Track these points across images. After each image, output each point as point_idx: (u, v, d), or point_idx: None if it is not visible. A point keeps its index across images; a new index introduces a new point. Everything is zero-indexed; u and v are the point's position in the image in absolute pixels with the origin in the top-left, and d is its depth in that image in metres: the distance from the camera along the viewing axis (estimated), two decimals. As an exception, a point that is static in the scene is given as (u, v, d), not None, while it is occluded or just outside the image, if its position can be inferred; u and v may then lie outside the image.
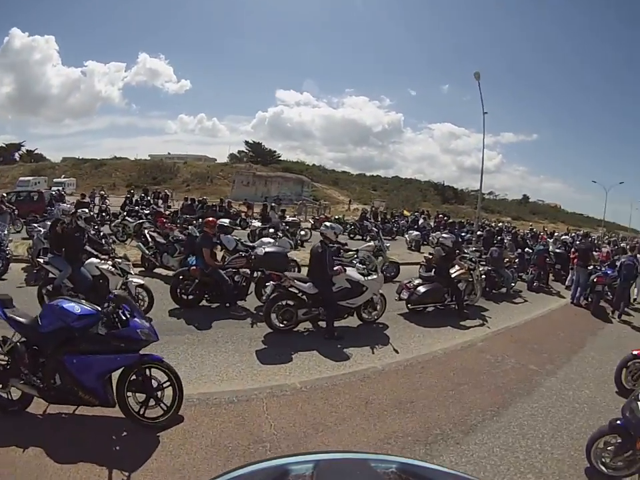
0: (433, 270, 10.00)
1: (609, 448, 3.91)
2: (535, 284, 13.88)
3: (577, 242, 16.16)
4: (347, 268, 7.67)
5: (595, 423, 4.96)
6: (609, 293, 12.38)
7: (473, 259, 10.80)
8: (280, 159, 70.94)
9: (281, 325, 7.08)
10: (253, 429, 4.24)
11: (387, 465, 1.14)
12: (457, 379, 6.10)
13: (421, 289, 9.08)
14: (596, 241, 29.44)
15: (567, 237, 21.07)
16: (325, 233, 7.75)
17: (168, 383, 4.06)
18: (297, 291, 7.19)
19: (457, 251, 11.29)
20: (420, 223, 25.73)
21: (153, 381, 4.04)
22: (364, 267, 8.22)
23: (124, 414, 3.97)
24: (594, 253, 13.06)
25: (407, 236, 21.39)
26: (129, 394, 3.96)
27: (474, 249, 17.03)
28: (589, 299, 12.09)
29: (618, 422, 3.83)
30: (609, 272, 12.50)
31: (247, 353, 6.32)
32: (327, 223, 8.55)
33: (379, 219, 27.07)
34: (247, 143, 72.98)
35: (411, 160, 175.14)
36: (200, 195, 31.63)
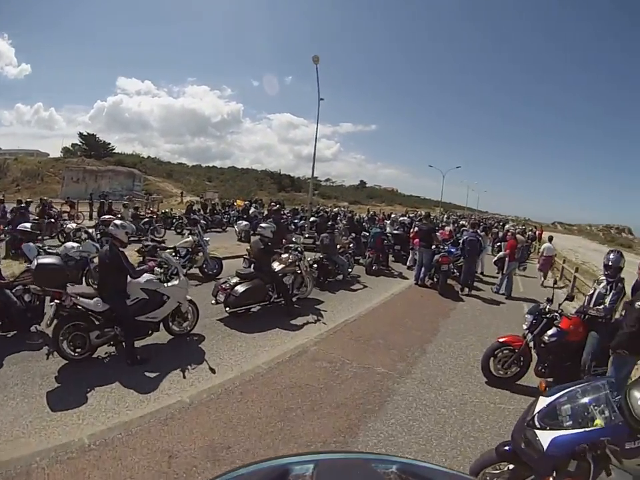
0: (252, 265, 8.65)
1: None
2: (373, 267, 13.43)
3: (417, 222, 16.19)
4: (144, 275, 6.20)
5: (471, 431, 4.40)
6: (454, 271, 12.55)
7: (299, 249, 9.53)
8: (114, 151, 66.28)
9: (74, 354, 5.62)
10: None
11: (387, 465, 1.11)
12: (286, 403, 4.89)
13: (239, 289, 7.67)
14: (436, 221, 31.75)
15: (404, 217, 21.58)
16: (114, 234, 6.05)
17: None
18: (85, 310, 5.70)
19: (283, 240, 10.16)
20: (251, 212, 24.23)
21: None
22: (161, 270, 6.57)
23: None
24: (436, 233, 13.07)
25: (236, 227, 19.94)
26: None
27: (307, 235, 16.59)
28: (434, 279, 12.06)
29: (506, 448, 3.20)
30: (452, 250, 12.73)
31: (37, 397, 4.76)
32: (117, 222, 6.37)
33: (208, 211, 25.49)
34: (80, 135, 65.87)
35: (249, 150, 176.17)
36: (30, 195, 27.38)
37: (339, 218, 21.89)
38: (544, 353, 5.76)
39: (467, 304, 10.57)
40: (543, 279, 15.85)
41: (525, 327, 5.92)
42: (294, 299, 8.85)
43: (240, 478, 1.08)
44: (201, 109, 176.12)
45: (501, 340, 5.94)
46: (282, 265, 8.78)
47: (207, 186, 61.60)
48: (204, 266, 10.80)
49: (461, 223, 27.49)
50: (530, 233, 27.20)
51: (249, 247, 9.68)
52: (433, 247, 11.95)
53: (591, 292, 6.07)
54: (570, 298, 6.62)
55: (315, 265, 10.72)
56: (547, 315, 5.83)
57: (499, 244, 19.52)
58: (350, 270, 12.33)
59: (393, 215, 22.84)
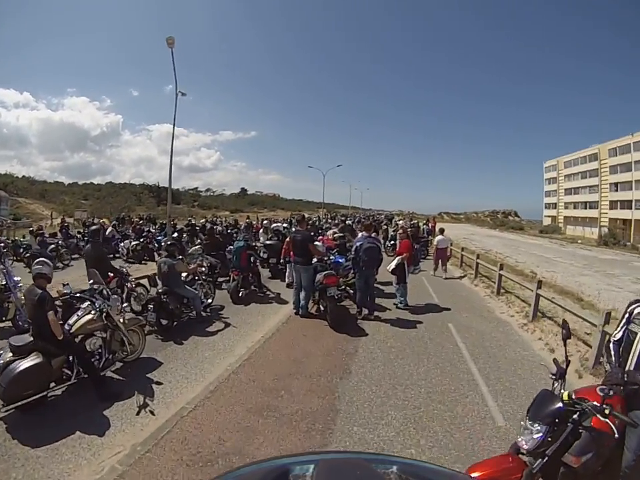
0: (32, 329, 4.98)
1: None
2: (240, 293, 9.76)
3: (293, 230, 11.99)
4: None
5: None
6: (347, 291, 9.51)
7: (104, 291, 5.77)
8: None
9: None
10: None
11: (387, 465, 1.08)
12: None
13: (11, 372, 4.41)
14: (318, 223, 28.74)
15: (278, 224, 18.44)
16: None
17: None
18: None
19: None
20: (108, 232, 19.95)
21: None
22: None
23: None
24: (316, 242, 9.72)
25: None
26: None
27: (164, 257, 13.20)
28: (320, 305, 8.67)
29: None
30: (340, 261, 9.66)
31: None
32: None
33: (61, 234, 20.59)
34: None
35: (129, 164, 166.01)
36: None
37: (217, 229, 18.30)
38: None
39: (371, 338, 7.28)
40: (434, 269, 14.84)
41: (524, 444, 2.56)
42: (107, 371, 5.42)
43: (240, 478, 1.09)
44: (80, 122, 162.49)
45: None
46: (80, 323, 5.23)
47: (82, 205, 58.22)
48: (17, 317, 7.51)
49: (347, 222, 24.39)
50: (424, 226, 24.91)
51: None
52: (314, 260, 8.63)
53: (617, 339, 3.21)
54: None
55: (151, 306, 7.36)
56: (572, 417, 2.53)
57: (392, 243, 17.54)
58: (209, 301, 8.96)
59: (265, 221, 19.61)
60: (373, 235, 9.14)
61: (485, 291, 11.53)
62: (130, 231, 21.04)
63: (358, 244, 8.34)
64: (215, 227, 18.06)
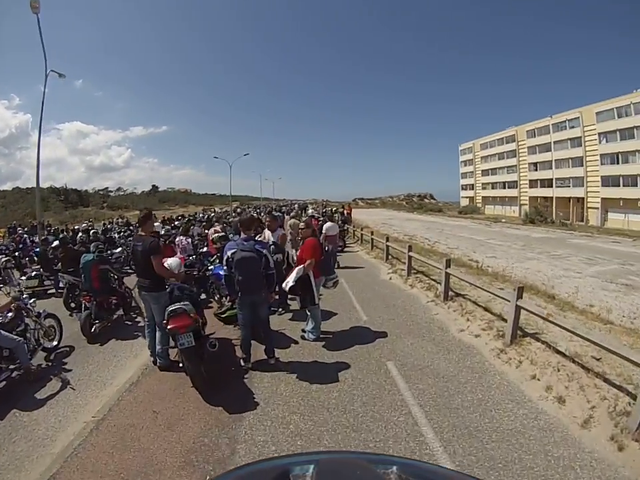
0: None
1: None
2: (94, 328, 6.79)
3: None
4: None
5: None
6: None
7: None
8: None
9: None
10: None
11: (387, 465, 1.05)
12: None
13: None
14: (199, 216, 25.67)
15: (158, 223, 14.65)
16: None
17: None
18: None
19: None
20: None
21: None
22: None
23: None
24: (171, 259, 6.14)
25: None
26: None
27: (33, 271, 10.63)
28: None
29: None
30: (220, 273, 6.59)
31: None
32: None
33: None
34: None
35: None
36: None
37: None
38: None
39: (263, 411, 4.13)
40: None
41: None
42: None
43: (240, 478, 1.09)
44: None
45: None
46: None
47: None
48: None
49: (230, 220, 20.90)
50: (338, 215, 21.91)
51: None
52: (168, 285, 5.41)
53: None
54: None
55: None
56: None
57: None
58: (54, 343, 6.25)
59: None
60: (260, 236, 6.73)
61: (426, 295, 8.65)
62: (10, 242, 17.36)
63: (229, 253, 4.98)
64: (77, 234, 14.38)
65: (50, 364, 5.76)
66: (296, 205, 49.92)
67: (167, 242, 9.14)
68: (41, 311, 6.24)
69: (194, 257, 9.23)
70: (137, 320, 7.70)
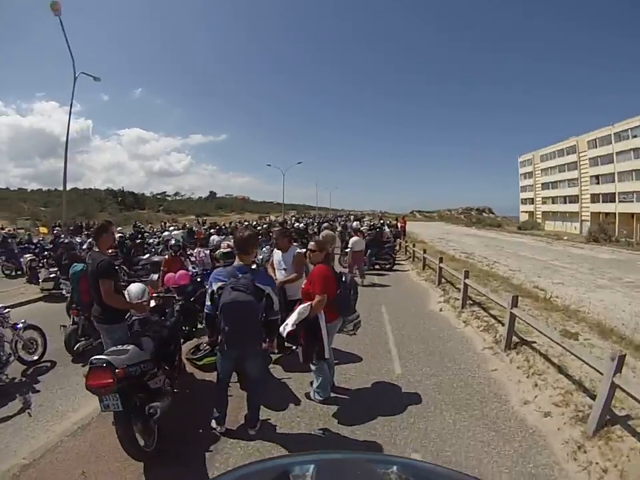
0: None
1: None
2: (77, 345, 6.00)
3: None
4: None
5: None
6: None
7: None
8: None
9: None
10: None
11: (387, 465, 1.06)
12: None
13: None
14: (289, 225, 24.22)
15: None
16: None
17: None
18: None
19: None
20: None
21: None
22: None
23: None
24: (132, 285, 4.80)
25: None
26: None
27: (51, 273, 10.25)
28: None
29: None
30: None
31: None
32: None
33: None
34: None
35: (100, 170, 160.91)
36: None
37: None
38: None
39: None
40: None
41: None
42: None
43: (241, 478, 1.08)
44: (50, 127, 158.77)
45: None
46: None
47: (42, 212, 56.30)
48: None
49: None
50: (389, 229, 19.57)
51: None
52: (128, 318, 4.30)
53: None
54: None
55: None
56: None
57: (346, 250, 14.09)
58: (34, 358, 5.77)
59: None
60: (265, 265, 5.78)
61: (482, 338, 6.73)
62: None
63: (214, 286, 3.54)
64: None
65: (24, 379, 5.26)
66: (352, 216, 48.25)
67: (177, 253, 7.98)
68: (21, 322, 5.63)
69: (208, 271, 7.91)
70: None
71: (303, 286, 4.50)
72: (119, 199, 76.86)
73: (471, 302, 8.60)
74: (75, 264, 6.63)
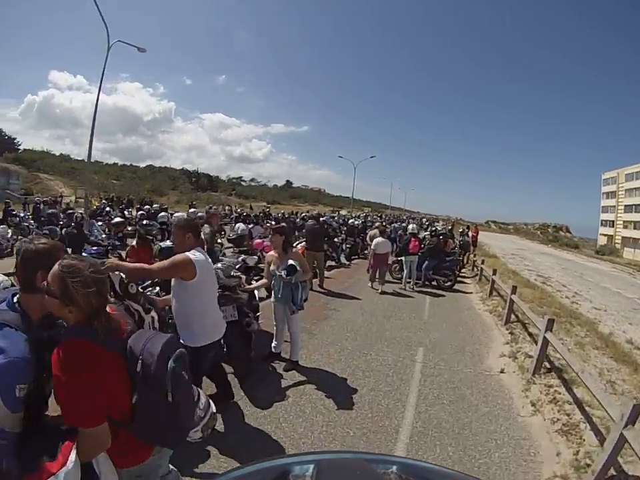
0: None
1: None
2: None
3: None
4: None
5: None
6: None
7: None
8: (21, 147, 63.85)
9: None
10: None
11: (387, 465, 1.07)
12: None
13: None
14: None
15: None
16: None
17: None
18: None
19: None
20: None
21: None
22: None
23: None
24: None
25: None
26: None
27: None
28: None
29: None
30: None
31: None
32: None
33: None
34: None
35: (180, 150, 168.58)
36: None
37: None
38: None
39: None
40: (370, 281, 11.69)
41: None
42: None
43: (240, 478, 1.07)
44: (133, 106, 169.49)
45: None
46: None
47: (113, 185, 58.01)
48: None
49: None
50: (459, 239, 18.04)
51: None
52: None
53: None
54: None
55: None
56: None
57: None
58: None
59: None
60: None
61: (566, 445, 4.05)
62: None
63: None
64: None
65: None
66: (424, 219, 46.02)
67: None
68: None
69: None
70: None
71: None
72: (193, 179, 78.38)
73: (548, 366, 5.93)
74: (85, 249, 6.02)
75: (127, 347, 1.81)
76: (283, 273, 5.04)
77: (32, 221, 15.88)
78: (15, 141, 63.97)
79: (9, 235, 12.37)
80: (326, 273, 11.92)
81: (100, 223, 15.43)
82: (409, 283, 12.03)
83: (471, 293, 12.56)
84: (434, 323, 8.65)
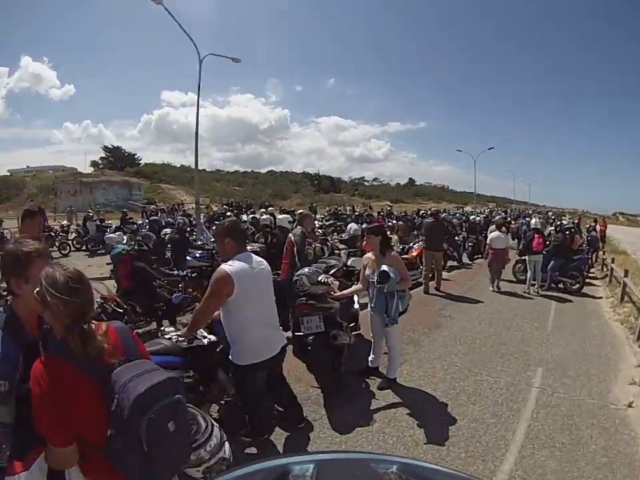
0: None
1: None
2: None
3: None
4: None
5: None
6: None
7: None
8: (141, 162, 68.57)
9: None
10: None
11: (388, 465, 1.03)
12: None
13: None
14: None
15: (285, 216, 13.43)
16: None
17: None
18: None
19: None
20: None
21: None
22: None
23: None
24: None
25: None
26: None
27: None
28: None
29: None
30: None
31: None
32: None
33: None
34: (105, 148, 68.00)
35: (300, 154, 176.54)
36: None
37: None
38: None
39: None
40: (491, 282, 11.14)
41: None
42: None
43: (240, 478, 1.06)
44: (248, 116, 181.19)
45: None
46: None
47: (235, 191, 60.45)
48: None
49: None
50: (587, 234, 16.13)
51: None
52: None
53: None
54: None
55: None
56: None
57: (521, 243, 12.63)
58: None
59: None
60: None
61: None
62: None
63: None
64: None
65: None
66: (550, 213, 41.99)
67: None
68: None
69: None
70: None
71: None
72: (315, 181, 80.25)
73: None
74: (115, 246, 6.97)
75: (111, 378, 1.70)
76: (376, 280, 4.55)
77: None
78: (135, 157, 68.39)
79: (124, 241, 12.41)
80: (446, 274, 11.59)
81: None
82: (534, 285, 11.02)
83: (601, 297, 11.12)
84: (558, 335, 7.66)
